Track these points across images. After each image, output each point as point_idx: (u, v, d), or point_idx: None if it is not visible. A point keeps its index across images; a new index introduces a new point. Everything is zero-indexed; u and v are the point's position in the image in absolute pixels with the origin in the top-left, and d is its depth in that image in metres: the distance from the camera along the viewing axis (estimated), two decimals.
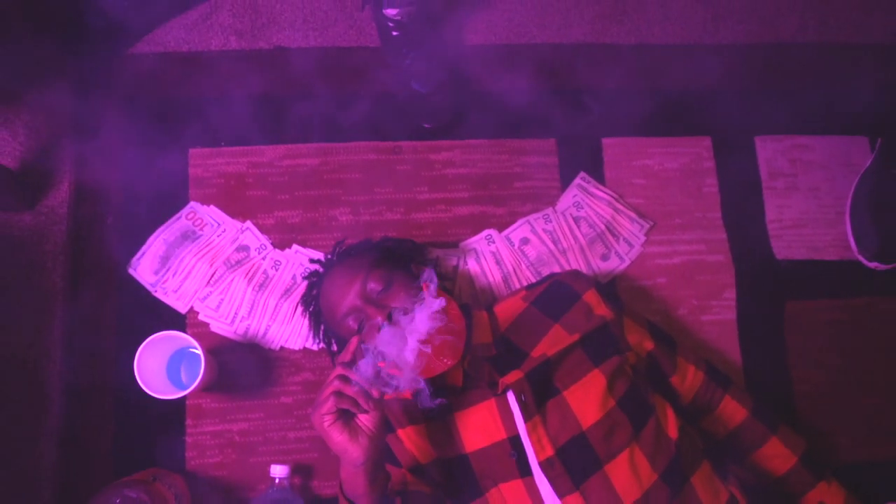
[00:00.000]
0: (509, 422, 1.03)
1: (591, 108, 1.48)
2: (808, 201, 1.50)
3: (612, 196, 1.44)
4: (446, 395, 1.06)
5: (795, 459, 1.20)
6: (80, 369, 1.30)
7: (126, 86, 1.44)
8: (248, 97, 1.45)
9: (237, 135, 1.44)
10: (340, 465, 0.96)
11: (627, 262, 1.42)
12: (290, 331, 1.34)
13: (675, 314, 1.42)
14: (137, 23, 1.45)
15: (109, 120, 1.42)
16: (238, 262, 1.37)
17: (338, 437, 0.90)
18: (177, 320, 1.34)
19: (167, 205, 1.39)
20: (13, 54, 1.37)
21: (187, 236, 1.37)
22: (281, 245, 1.39)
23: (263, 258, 1.38)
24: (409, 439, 1.09)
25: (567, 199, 1.44)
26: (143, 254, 1.35)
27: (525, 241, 1.41)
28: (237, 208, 1.40)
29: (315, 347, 1.34)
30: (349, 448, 0.90)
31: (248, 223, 1.39)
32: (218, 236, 1.38)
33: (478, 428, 1.05)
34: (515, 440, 1.03)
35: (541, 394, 1.04)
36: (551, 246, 1.40)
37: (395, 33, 1.38)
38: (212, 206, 1.39)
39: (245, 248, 1.38)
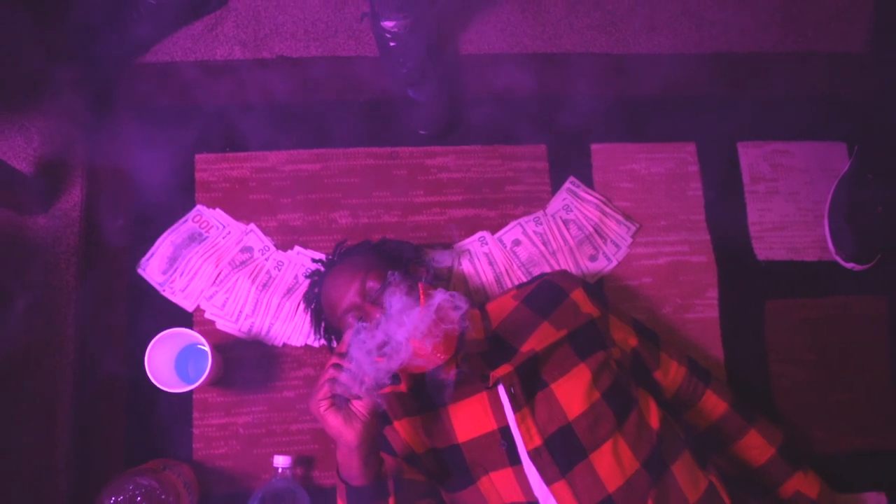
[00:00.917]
0: (500, 413, 1.05)
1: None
2: (789, 204, 1.51)
3: (600, 199, 1.46)
4: (441, 388, 1.07)
5: (773, 450, 1.22)
6: (93, 364, 1.31)
7: (135, 94, 1.45)
8: (252, 104, 1.46)
9: (241, 141, 1.45)
10: (337, 449, 0.99)
11: (615, 263, 1.44)
12: (292, 328, 1.36)
13: (660, 312, 1.44)
14: (146, 34, 1.46)
15: (120, 126, 1.43)
16: (242, 262, 1.39)
17: (333, 422, 0.94)
18: (184, 318, 1.35)
19: (175, 208, 1.40)
20: (28, 65, 1.39)
21: (194, 238, 1.39)
22: (283, 246, 1.41)
23: (267, 259, 1.39)
24: (404, 430, 1.11)
25: (557, 202, 1.46)
26: (152, 255, 1.37)
27: (517, 242, 1.43)
28: (241, 211, 1.41)
29: (316, 344, 1.36)
30: (344, 431, 0.94)
31: (252, 225, 1.41)
32: (223, 238, 1.40)
33: (470, 419, 1.07)
34: (505, 430, 1.04)
35: (529, 386, 1.06)
36: (542, 247, 1.43)
37: (392, 44, 1.39)
38: (217, 210, 1.41)
39: (249, 250, 1.40)
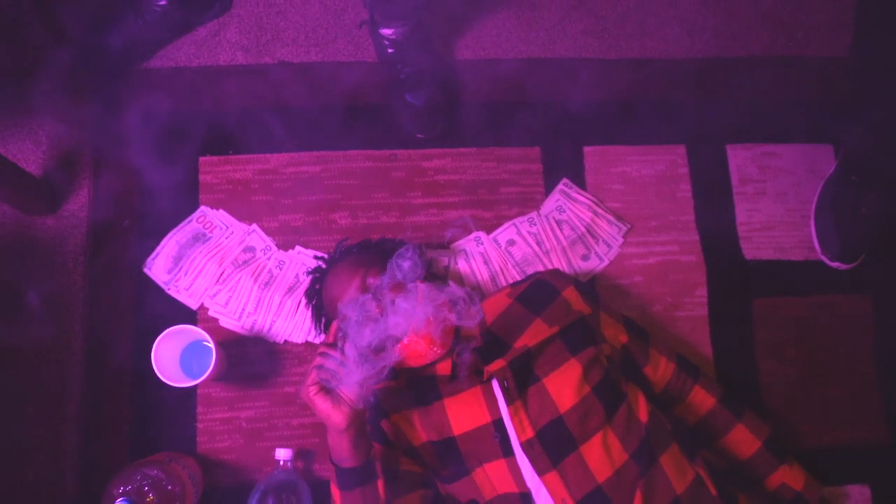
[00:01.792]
0: (493, 406, 1.07)
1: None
2: (776, 205, 1.53)
3: (592, 200, 1.48)
4: (436, 382, 1.10)
5: (759, 444, 1.24)
6: (100, 361, 1.33)
7: (141, 98, 1.46)
8: (254, 108, 1.47)
9: (244, 144, 1.46)
10: (327, 433, 1.02)
11: (606, 262, 1.47)
12: (293, 325, 1.38)
13: (650, 310, 1.46)
14: (152, 39, 1.48)
15: (126, 130, 1.44)
16: (245, 262, 1.41)
17: (321, 405, 0.97)
18: (188, 316, 1.37)
19: (179, 209, 1.42)
20: (37, 71, 1.41)
21: (198, 238, 1.41)
22: (285, 246, 1.42)
23: (268, 258, 1.41)
24: (401, 424, 1.12)
25: (550, 203, 1.49)
26: (157, 254, 1.39)
27: (511, 242, 1.45)
28: (244, 212, 1.43)
29: (317, 341, 1.38)
30: (332, 415, 0.97)
31: (255, 226, 1.43)
32: (226, 238, 1.42)
33: (465, 412, 1.08)
34: (499, 423, 1.06)
35: (522, 381, 1.07)
36: (535, 247, 1.45)
37: (390, 50, 1.42)
38: (220, 210, 1.43)
39: (251, 249, 1.42)
